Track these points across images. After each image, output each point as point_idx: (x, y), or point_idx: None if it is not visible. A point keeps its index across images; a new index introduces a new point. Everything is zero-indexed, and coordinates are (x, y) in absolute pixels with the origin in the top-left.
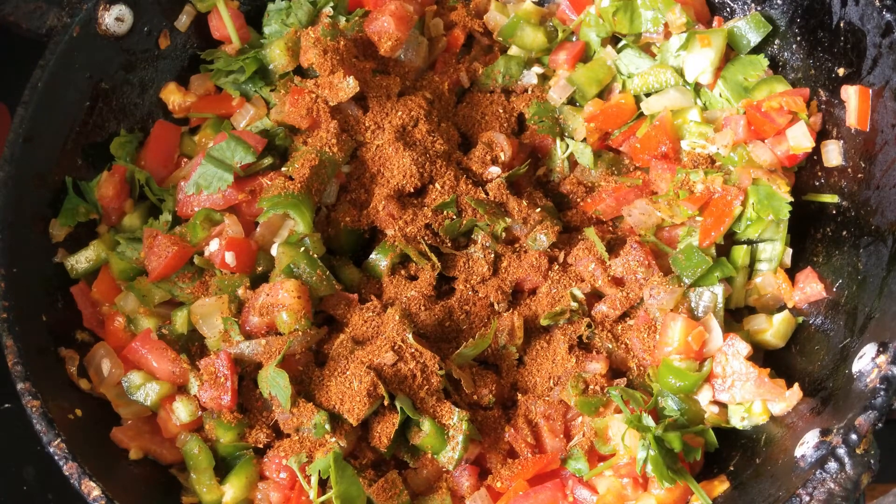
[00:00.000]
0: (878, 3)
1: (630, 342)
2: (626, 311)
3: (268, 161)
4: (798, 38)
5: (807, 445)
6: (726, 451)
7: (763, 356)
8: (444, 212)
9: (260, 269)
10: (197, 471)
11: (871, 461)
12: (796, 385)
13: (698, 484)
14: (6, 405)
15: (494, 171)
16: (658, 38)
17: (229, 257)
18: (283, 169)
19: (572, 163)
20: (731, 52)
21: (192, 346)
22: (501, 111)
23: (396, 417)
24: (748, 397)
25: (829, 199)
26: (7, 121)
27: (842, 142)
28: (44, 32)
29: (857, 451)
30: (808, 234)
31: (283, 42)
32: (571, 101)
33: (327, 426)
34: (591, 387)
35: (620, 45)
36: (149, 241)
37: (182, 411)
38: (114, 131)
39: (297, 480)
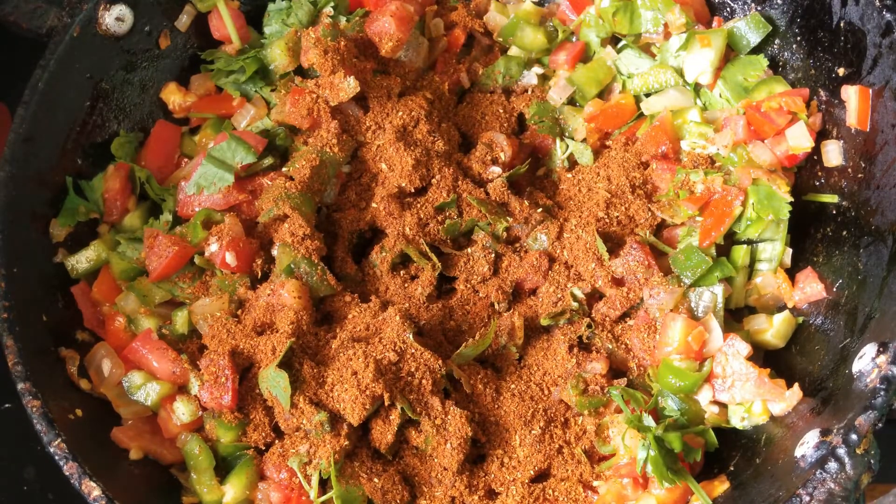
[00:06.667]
0: (878, 3)
1: (630, 342)
2: (626, 311)
3: (268, 161)
4: (798, 38)
5: (807, 445)
6: (726, 451)
7: (763, 356)
8: (445, 211)
9: (260, 269)
10: (197, 471)
11: (871, 461)
12: (796, 385)
13: (698, 484)
14: (6, 405)
15: (495, 170)
16: (658, 38)
17: (229, 257)
18: (283, 169)
19: (572, 163)
20: (731, 52)
21: (192, 346)
22: (501, 111)
23: (396, 417)
24: (748, 397)
25: (829, 199)
26: (7, 121)
27: (842, 142)
28: (44, 32)
29: (858, 451)
30: (808, 234)
31: (283, 42)
32: (571, 102)
33: (327, 426)
34: (591, 387)
35: (620, 45)
36: (149, 241)
37: (182, 411)
38: (114, 131)
39: (297, 480)
